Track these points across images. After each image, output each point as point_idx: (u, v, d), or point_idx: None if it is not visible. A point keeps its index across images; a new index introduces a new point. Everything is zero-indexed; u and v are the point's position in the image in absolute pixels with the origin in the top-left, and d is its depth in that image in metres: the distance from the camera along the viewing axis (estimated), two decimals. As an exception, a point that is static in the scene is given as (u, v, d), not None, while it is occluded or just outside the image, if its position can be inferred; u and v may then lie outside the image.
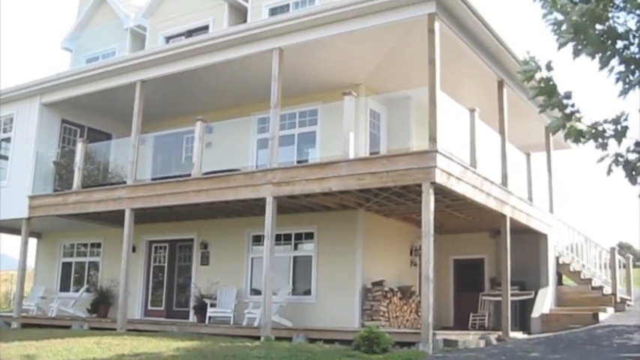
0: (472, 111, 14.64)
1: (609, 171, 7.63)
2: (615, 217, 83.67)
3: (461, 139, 14.30)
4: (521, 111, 17.64)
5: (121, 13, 23.75)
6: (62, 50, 25.48)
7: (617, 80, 7.48)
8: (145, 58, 17.18)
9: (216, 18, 21.08)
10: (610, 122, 7.58)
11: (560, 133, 7.82)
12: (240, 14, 21.00)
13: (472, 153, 14.39)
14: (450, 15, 13.67)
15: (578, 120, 7.67)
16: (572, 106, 7.68)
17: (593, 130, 7.55)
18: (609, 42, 7.39)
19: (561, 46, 7.54)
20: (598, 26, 7.39)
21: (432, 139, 12.77)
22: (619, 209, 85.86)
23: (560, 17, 7.57)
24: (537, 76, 7.89)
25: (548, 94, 7.70)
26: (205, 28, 21.09)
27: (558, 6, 7.53)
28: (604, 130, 7.52)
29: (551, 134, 17.60)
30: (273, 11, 19.67)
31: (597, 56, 7.48)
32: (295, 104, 17.10)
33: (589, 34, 7.26)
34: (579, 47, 7.45)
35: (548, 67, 7.78)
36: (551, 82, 7.71)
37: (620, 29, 7.48)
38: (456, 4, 13.41)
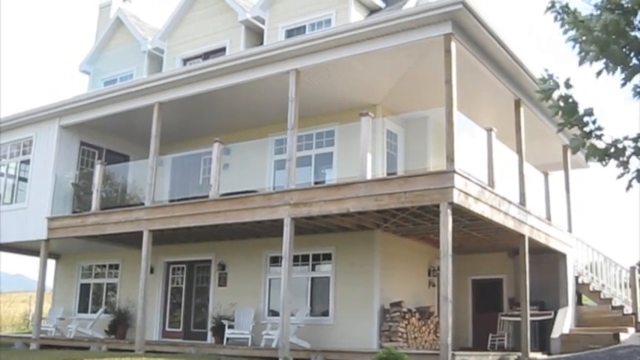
0: (489, 131, 14.60)
1: (629, 187, 7.53)
2: (635, 236, 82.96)
3: (478, 159, 14.26)
4: (538, 130, 17.59)
5: (138, 36, 23.95)
6: (80, 73, 25.78)
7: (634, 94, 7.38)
8: (163, 81, 17.28)
9: (232, 40, 21.23)
10: (630, 140, 7.48)
11: (580, 154, 7.69)
12: (256, 36, 21.13)
13: (490, 173, 14.33)
14: (466, 35, 13.68)
15: (599, 138, 7.55)
16: (594, 123, 7.55)
17: (614, 149, 7.44)
18: (632, 55, 7.28)
19: (582, 62, 7.44)
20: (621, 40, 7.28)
21: (450, 159, 12.73)
22: (638, 228, 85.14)
23: (582, 32, 7.44)
24: (556, 94, 7.79)
25: (569, 112, 7.58)
26: (222, 50, 21.22)
27: (582, 23, 7.40)
28: (624, 148, 7.42)
29: (570, 153, 17.49)
30: (290, 33, 19.74)
31: (618, 71, 7.37)
32: (312, 125, 17.15)
33: (612, 51, 7.15)
34: (602, 62, 7.33)
35: (567, 85, 7.64)
36: (570, 100, 7.60)
37: None
38: (472, 25, 13.40)
